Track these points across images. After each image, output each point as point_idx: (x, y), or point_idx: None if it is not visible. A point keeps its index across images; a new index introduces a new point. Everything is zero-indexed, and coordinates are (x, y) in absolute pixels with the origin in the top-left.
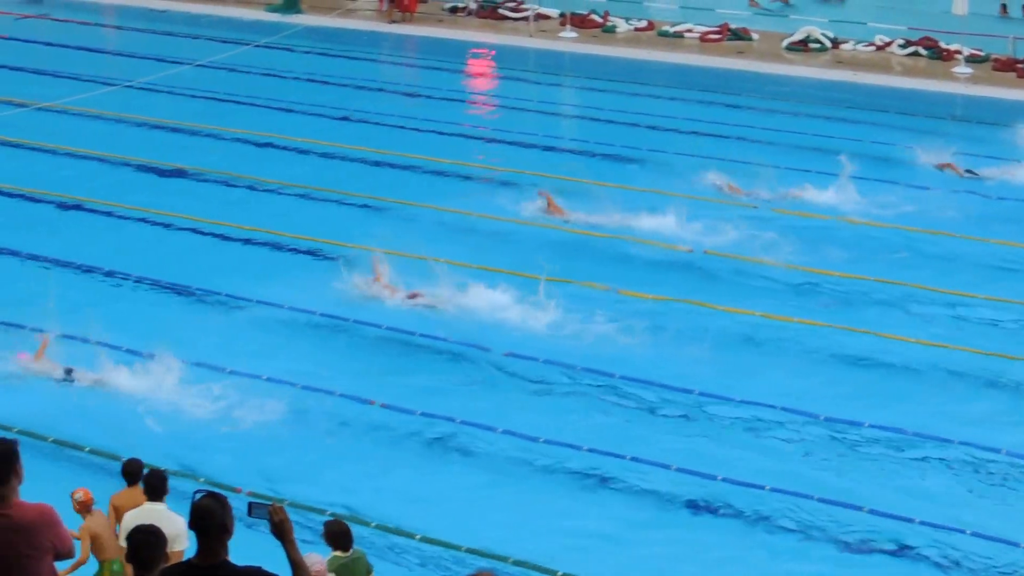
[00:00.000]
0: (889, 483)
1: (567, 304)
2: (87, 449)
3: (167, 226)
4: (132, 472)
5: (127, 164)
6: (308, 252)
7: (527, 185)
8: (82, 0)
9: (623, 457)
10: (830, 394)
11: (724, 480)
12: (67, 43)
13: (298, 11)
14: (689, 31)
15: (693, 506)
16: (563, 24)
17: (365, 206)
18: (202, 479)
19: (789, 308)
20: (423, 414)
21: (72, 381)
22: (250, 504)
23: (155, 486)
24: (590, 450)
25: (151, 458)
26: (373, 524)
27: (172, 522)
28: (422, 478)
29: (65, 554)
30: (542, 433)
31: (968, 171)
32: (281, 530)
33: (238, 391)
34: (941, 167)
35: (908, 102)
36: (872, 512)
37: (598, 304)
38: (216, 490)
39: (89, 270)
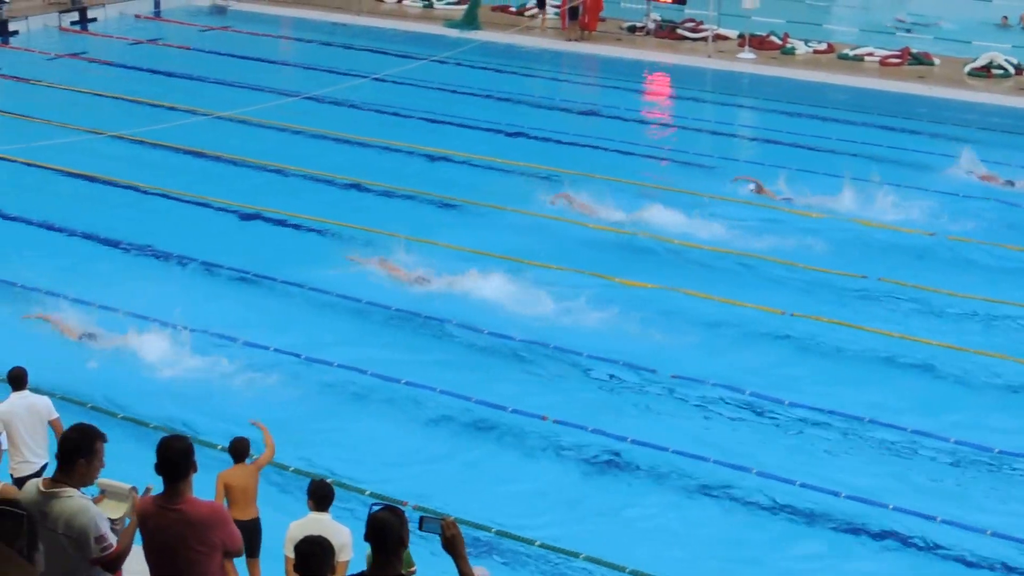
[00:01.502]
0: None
1: (737, 326)
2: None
3: (337, 236)
4: (239, 450)
5: (305, 176)
6: (482, 267)
7: (699, 205)
8: (264, 12)
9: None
10: None
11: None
12: (248, 55)
13: (477, 27)
14: (869, 55)
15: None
16: (741, 45)
17: (533, 223)
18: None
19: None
20: (595, 430)
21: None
22: (421, 518)
23: (323, 496)
24: (716, 462)
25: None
26: (537, 543)
27: (338, 532)
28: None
29: (234, 553)
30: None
31: None
32: (452, 544)
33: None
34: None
35: None
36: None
37: (767, 325)
38: (393, 504)
39: (289, 284)
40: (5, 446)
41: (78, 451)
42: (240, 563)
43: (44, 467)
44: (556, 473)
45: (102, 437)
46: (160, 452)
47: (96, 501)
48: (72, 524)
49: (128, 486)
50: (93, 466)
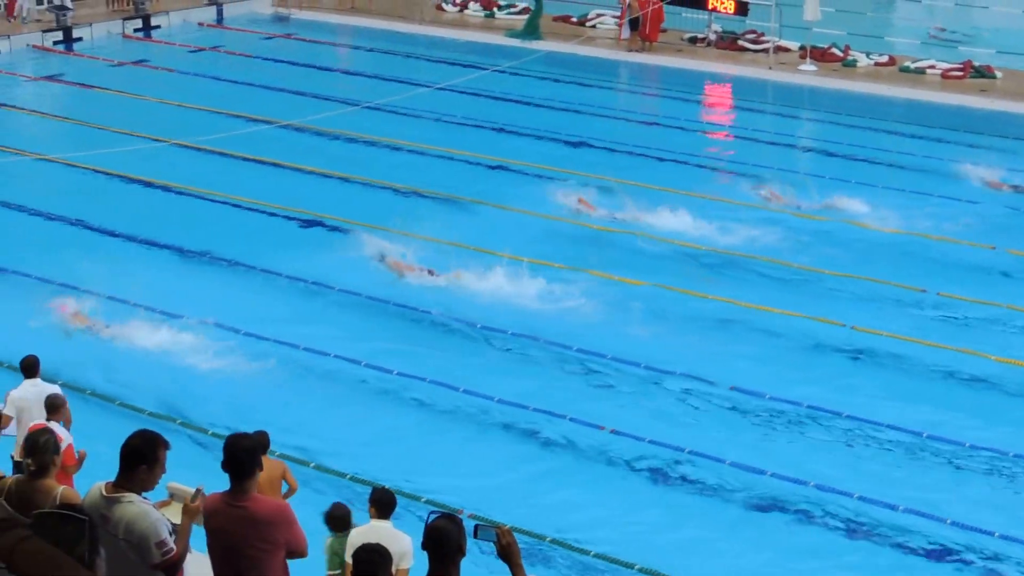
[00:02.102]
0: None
1: (797, 338)
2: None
3: (400, 243)
4: (261, 444)
5: (365, 184)
6: (542, 277)
7: (758, 217)
8: (325, 21)
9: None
10: None
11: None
12: (311, 63)
13: (538, 37)
14: (931, 67)
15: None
16: (803, 57)
17: (595, 235)
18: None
19: None
20: (651, 441)
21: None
22: (476, 526)
23: (385, 503)
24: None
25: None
26: (592, 553)
27: (398, 540)
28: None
29: (298, 553)
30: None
31: None
32: (508, 553)
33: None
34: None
35: None
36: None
37: (828, 337)
38: (450, 512)
39: (349, 293)
40: (15, 431)
41: (141, 458)
42: None
43: None
44: (612, 483)
45: (165, 445)
46: (227, 450)
47: (164, 505)
48: (132, 529)
49: (193, 490)
50: (154, 473)
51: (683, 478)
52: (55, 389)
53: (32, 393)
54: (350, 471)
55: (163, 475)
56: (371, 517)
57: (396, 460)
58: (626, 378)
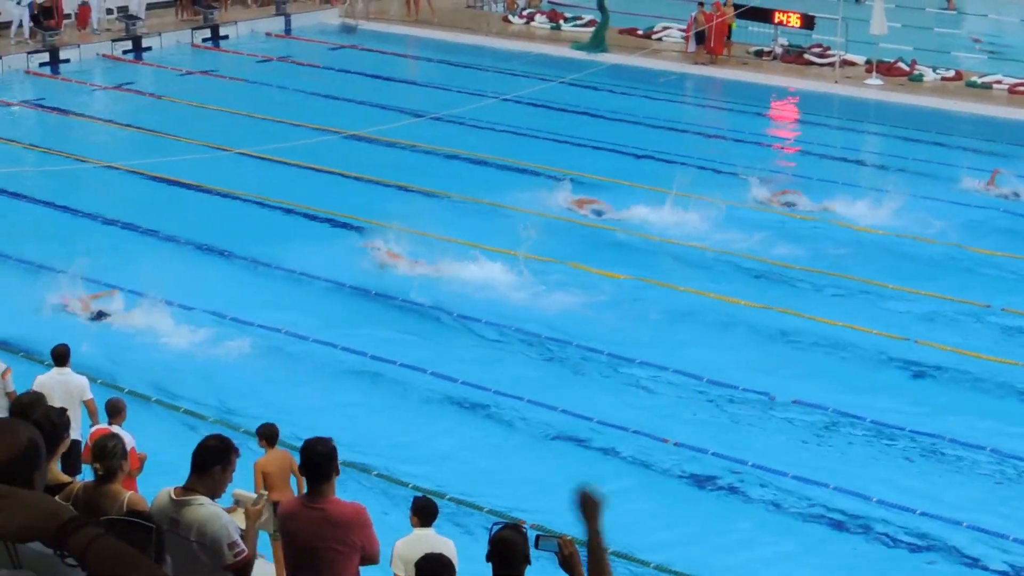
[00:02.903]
0: None
1: (859, 352)
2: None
3: (461, 255)
4: (269, 435)
5: (429, 195)
6: (603, 287)
7: (821, 231)
8: (392, 32)
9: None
10: None
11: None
12: (377, 73)
13: (604, 50)
14: (998, 82)
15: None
16: (869, 71)
17: (658, 247)
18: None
19: None
20: (715, 454)
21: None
22: (537, 537)
23: (430, 511)
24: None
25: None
26: (652, 565)
27: (444, 547)
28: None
29: (370, 558)
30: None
31: None
32: (570, 563)
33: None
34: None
35: None
36: None
37: (890, 351)
38: (513, 522)
39: (418, 307)
40: None
41: (216, 459)
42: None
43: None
44: (674, 495)
45: (237, 451)
46: (304, 454)
47: (229, 511)
48: (205, 531)
49: (254, 495)
50: (226, 476)
51: (745, 491)
52: (81, 380)
53: (56, 381)
54: (408, 479)
55: (229, 483)
56: (413, 526)
57: (455, 468)
58: (688, 391)
